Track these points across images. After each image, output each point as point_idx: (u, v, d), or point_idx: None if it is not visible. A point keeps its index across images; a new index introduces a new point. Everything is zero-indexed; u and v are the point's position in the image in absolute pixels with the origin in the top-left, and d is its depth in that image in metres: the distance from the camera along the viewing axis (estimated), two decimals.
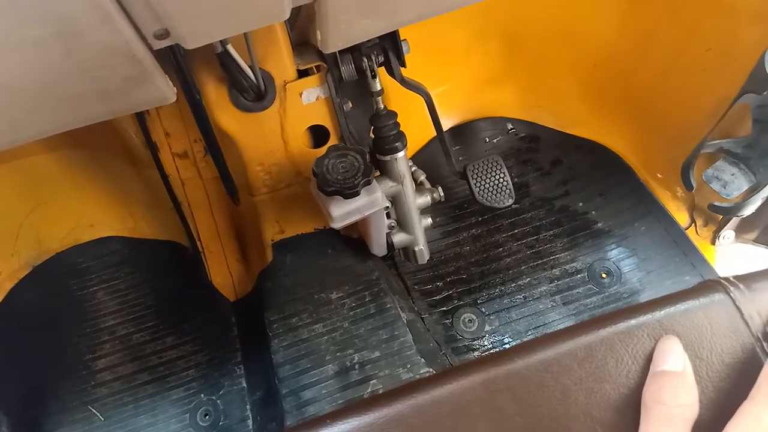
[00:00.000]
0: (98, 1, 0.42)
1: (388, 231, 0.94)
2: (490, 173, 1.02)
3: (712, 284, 0.44)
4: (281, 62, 0.87)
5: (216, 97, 0.87)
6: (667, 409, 0.38)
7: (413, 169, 0.95)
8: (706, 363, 0.41)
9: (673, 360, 0.40)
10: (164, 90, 0.54)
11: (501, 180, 1.02)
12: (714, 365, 0.41)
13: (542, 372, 0.42)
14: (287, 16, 0.50)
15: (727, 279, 0.44)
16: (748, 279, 0.44)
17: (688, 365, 0.40)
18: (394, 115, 0.86)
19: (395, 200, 0.91)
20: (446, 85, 1.21)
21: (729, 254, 1.08)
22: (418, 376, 0.89)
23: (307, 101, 0.92)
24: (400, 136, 0.86)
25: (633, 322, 0.43)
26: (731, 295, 0.43)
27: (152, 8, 0.44)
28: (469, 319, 1.04)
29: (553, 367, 0.42)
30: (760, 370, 0.39)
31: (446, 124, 1.24)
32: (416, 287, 1.08)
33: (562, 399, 0.41)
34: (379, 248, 0.97)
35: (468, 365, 0.43)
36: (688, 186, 1.01)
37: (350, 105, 0.96)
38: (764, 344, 0.42)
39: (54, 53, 0.45)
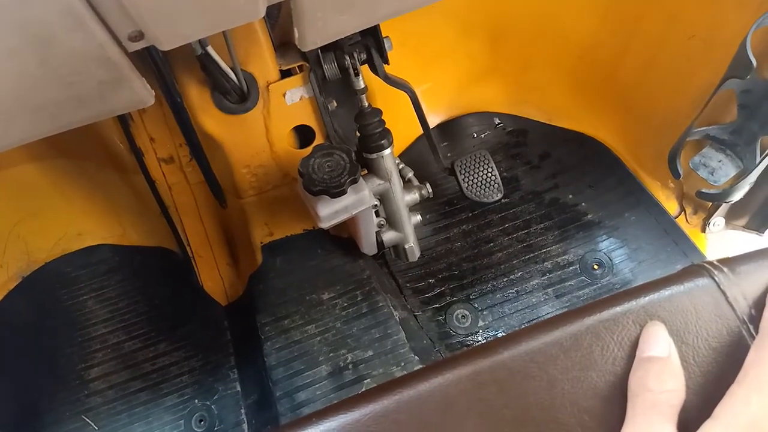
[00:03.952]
0: (69, 5, 0.41)
1: (378, 229, 0.94)
2: (479, 168, 1.02)
3: (696, 269, 0.44)
4: (263, 63, 0.87)
5: (198, 100, 0.87)
6: (654, 395, 0.38)
7: (401, 166, 0.94)
8: (692, 348, 0.41)
9: (659, 346, 0.40)
10: (141, 93, 0.54)
11: (489, 175, 1.02)
12: (700, 350, 0.41)
13: (528, 363, 0.42)
14: (262, 14, 0.50)
15: (711, 263, 0.44)
16: (732, 262, 0.44)
17: (673, 351, 0.40)
18: (379, 112, 0.85)
19: (383, 198, 0.91)
20: (432, 82, 1.21)
21: (720, 241, 1.08)
22: None
23: (290, 101, 0.92)
24: (386, 134, 0.85)
25: (618, 309, 0.43)
26: (715, 279, 0.43)
27: (125, 10, 0.44)
28: (463, 315, 1.04)
29: (539, 357, 0.42)
30: (747, 354, 0.39)
31: (433, 121, 1.24)
32: (408, 285, 1.07)
33: (549, 389, 0.41)
34: (369, 247, 0.96)
35: (453, 359, 0.43)
36: (675, 174, 1.01)
37: (335, 104, 0.96)
38: (750, 327, 0.41)
39: (27, 61, 0.45)
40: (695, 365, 0.41)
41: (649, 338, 0.41)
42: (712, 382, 0.40)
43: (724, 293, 0.42)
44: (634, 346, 0.41)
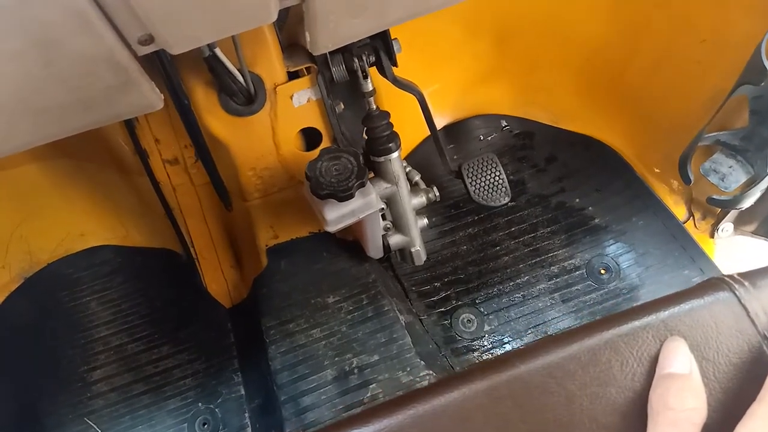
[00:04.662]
0: (78, 8, 0.41)
1: (384, 233, 0.93)
2: (486, 171, 1.01)
3: (716, 282, 0.43)
4: (271, 65, 0.86)
5: (205, 102, 0.86)
6: (675, 414, 0.37)
7: (408, 169, 0.94)
8: (712, 364, 0.41)
9: (680, 362, 0.39)
10: (150, 97, 0.53)
11: (496, 178, 1.01)
12: (721, 366, 0.40)
13: (545, 377, 0.41)
14: (274, 18, 0.49)
15: (731, 276, 0.44)
16: (752, 276, 0.43)
17: (694, 367, 0.40)
18: (387, 115, 0.84)
19: (390, 201, 0.90)
20: (439, 84, 1.20)
21: (728, 246, 1.07)
22: (417, 379, 0.88)
23: (298, 104, 0.91)
24: (394, 137, 0.84)
25: (637, 323, 0.42)
26: (736, 293, 0.42)
27: (135, 14, 0.43)
28: (468, 320, 1.03)
29: (557, 372, 0.41)
30: None
31: (440, 123, 1.23)
32: (414, 289, 1.07)
33: (567, 404, 0.40)
34: (375, 250, 0.95)
35: (469, 372, 0.42)
36: (685, 180, 1.00)
37: (342, 106, 0.95)
38: None
39: (34, 63, 0.44)
40: (716, 381, 0.40)
41: (670, 354, 0.40)
42: (732, 398, 0.40)
43: (744, 307, 0.42)
44: (654, 361, 0.41)
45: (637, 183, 1.14)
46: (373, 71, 0.86)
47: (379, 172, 0.87)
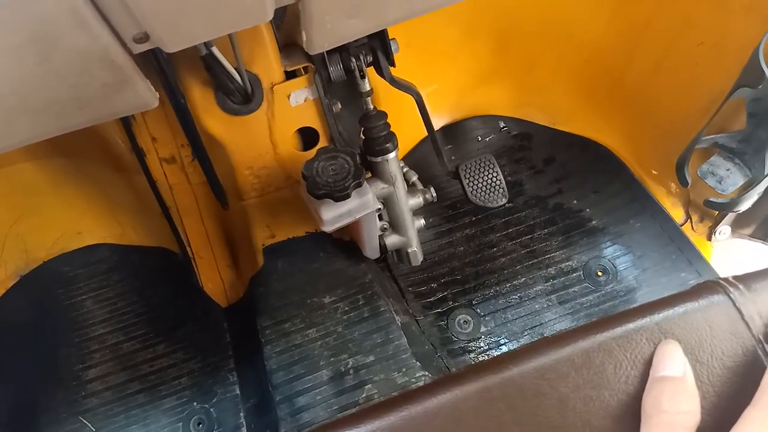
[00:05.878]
0: (74, 5, 0.41)
1: (381, 233, 0.93)
2: (483, 172, 1.01)
3: (711, 285, 0.43)
4: (268, 64, 0.86)
5: (202, 101, 0.86)
6: (669, 417, 0.37)
7: (405, 169, 0.93)
8: (706, 367, 0.40)
9: (674, 365, 0.39)
10: (146, 95, 0.53)
11: (494, 179, 1.01)
12: (715, 369, 0.40)
13: (538, 379, 0.41)
14: (270, 17, 0.49)
15: (726, 279, 0.43)
16: (747, 279, 0.43)
17: (688, 370, 0.39)
18: (384, 115, 0.84)
19: (387, 202, 0.90)
20: (437, 84, 1.20)
21: (725, 249, 1.07)
22: (413, 380, 0.88)
23: (295, 103, 0.91)
24: (391, 137, 0.84)
25: (631, 326, 0.42)
26: (731, 296, 0.42)
27: (130, 11, 0.43)
28: (465, 321, 1.03)
29: (550, 374, 0.41)
30: (763, 373, 0.38)
31: (437, 124, 1.23)
32: (410, 289, 1.07)
33: (560, 407, 0.40)
34: (371, 251, 0.95)
35: (462, 374, 0.42)
36: (683, 182, 1.00)
37: (339, 106, 0.95)
38: (766, 346, 0.41)
39: (30, 60, 0.44)
40: (709, 385, 0.40)
41: (664, 357, 0.40)
42: (726, 402, 0.40)
43: (739, 311, 0.41)
44: (648, 364, 0.40)
45: (635, 185, 1.14)
46: (370, 71, 0.86)
47: (376, 173, 0.87)
